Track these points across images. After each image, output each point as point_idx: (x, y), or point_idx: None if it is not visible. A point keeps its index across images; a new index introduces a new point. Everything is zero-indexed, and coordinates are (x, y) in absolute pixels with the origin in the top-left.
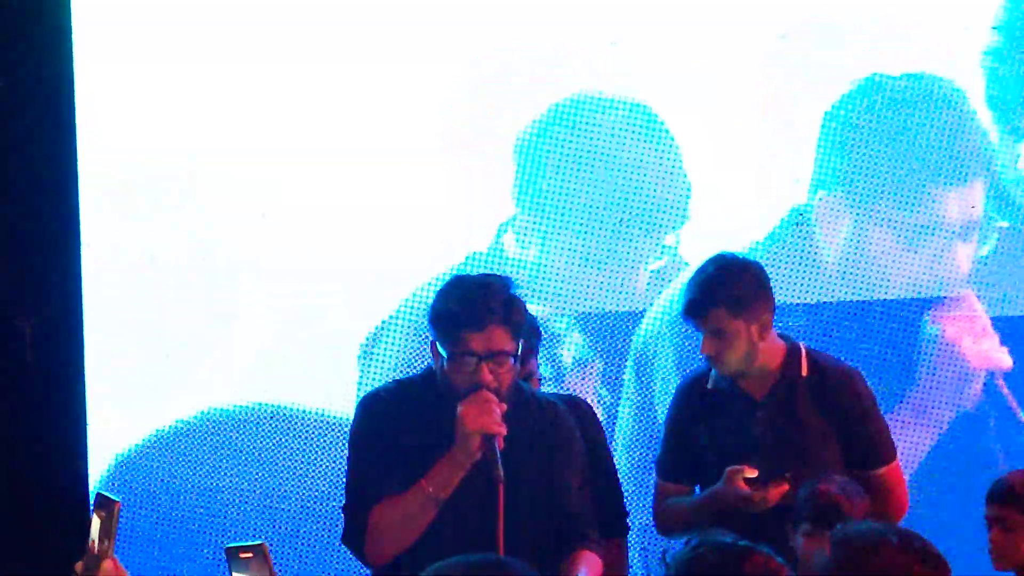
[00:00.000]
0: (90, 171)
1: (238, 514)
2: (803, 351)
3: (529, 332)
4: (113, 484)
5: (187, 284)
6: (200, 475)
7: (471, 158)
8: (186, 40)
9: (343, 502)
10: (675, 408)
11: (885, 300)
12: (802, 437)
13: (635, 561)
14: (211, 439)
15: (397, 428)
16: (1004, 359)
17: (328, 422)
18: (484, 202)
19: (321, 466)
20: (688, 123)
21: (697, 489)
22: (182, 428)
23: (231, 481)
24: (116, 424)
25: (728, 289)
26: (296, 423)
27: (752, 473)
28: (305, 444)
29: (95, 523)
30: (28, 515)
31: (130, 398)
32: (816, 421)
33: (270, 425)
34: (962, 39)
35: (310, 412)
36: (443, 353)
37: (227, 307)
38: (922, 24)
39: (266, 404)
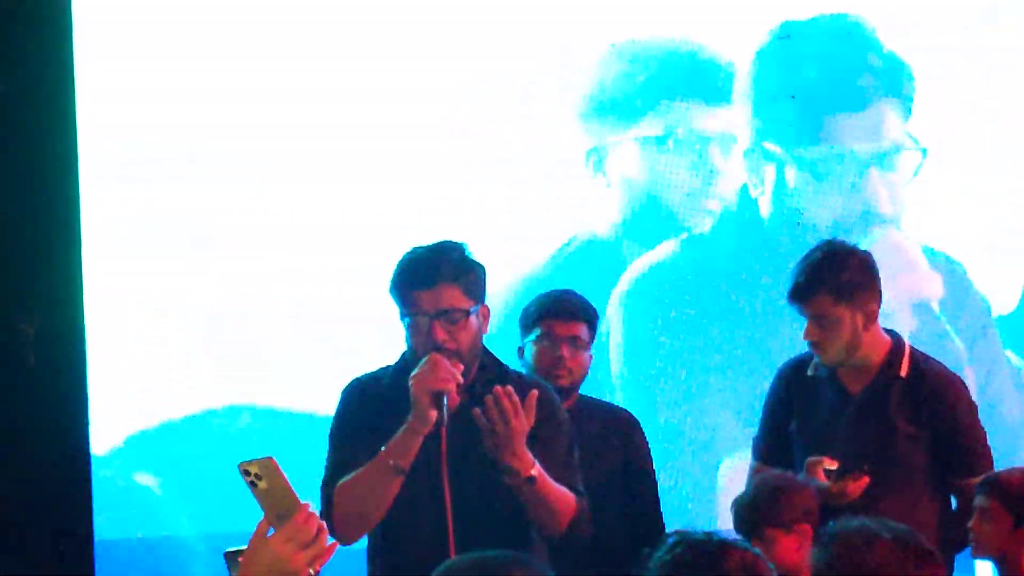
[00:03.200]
0: (91, 171)
1: (241, 516)
2: (906, 350)
3: (595, 327)
4: (115, 485)
5: (189, 285)
6: (203, 476)
7: (472, 157)
8: (190, 39)
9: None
10: (773, 390)
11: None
12: (889, 438)
13: None
14: (214, 440)
15: (373, 412)
16: (934, 287)
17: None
18: (484, 201)
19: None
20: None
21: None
22: (185, 429)
23: (235, 480)
24: (118, 426)
25: (834, 275)
26: (299, 424)
27: (832, 465)
28: (309, 446)
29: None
30: (30, 516)
31: (132, 399)
32: (906, 424)
33: (274, 426)
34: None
35: (314, 413)
36: (403, 323)
37: (230, 307)
38: (922, 24)
39: (270, 406)
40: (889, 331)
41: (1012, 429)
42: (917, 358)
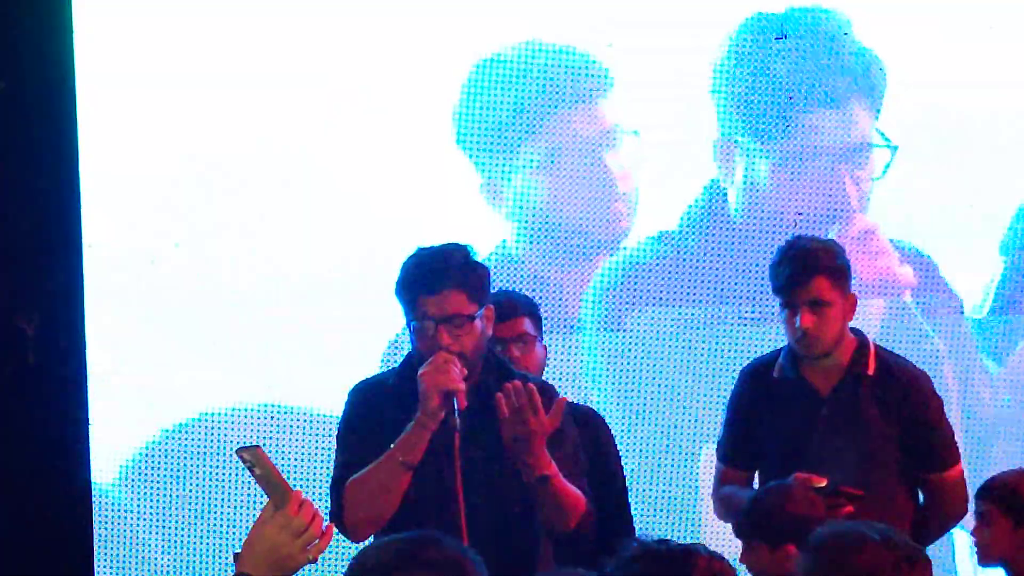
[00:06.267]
0: (92, 170)
1: (241, 513)
2: (871, 348)
3: (539, 317)
4: (115, 484)
5: (188, 283)
6: (203, 475)
7: (477, 155)
8: (190, 37)
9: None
10: (738, 393)
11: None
12: (864, 438)
13: None
14: (214, 439)
15: (379, 413)
16: (905, 275)
17: (332, 423)
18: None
19: (326, 467)
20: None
21: (756, 476)
22: (185, 428)
23: (234, 480)
24: (118, 424)
25: (830, 258)
26: (300, 424)
27: (821, 483)
28: (309, 445)
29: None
30: (30, 515)
31: (132, 398)
32: (878, 422)
33: (274, 425)
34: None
35: (315, 412)
36: (408, 325)
37: (229, 307)
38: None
39: (270, 404)
40: (854, 330)
41: (986, 423)
42: (883, 356)
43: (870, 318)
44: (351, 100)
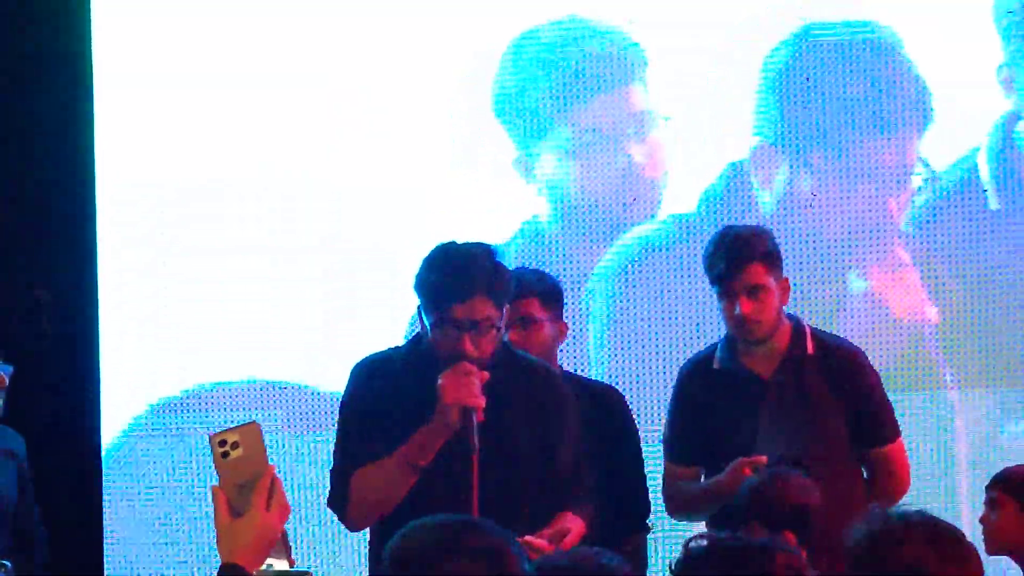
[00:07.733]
0: (107, 148)
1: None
2: (807, 329)
3: (553, 297)
4: (125, 451)
5: (199, 259)
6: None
7: (480, 152)
8: (205, 31)
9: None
10: (681, 389)
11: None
12: (813, 417)
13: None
14: (224, 411)
15: (384, 394)
16: (931, 314)
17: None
18: (492, 196)
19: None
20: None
21: (703, 471)
22: (194, 399)
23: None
24: (129, 391)
25: (762, 244)
26: (308, 402)
27: (761, 460)
28: (316, 423)
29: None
30: (41, 481)
31: (143, 365)
32: (825, 400)
33: (282, 400)
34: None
35: (321, 392)
36: (427, 321)
37: (239, 283)
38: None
39: (280, 379)
40: (788, 315)
41: (991, 450)
42: (819, 335)
43: (889, 348)
44: (352, 96)
